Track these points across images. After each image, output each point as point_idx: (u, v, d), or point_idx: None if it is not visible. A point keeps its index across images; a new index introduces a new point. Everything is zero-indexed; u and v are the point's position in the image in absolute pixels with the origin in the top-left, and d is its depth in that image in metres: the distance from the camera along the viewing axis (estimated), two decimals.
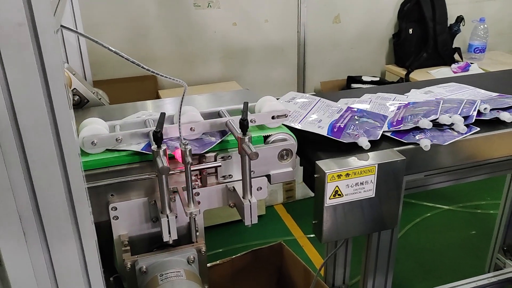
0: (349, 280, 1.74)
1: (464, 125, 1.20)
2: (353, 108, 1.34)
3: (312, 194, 2.60)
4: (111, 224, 1.00)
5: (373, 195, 1.12)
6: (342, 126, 1.21)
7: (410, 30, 3.00)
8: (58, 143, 0.60)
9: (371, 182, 1.10)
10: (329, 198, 1.08)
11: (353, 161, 1.10)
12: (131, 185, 1.00)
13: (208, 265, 1.59)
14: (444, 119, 1.20)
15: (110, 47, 0.80)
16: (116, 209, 0.99)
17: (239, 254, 1.66)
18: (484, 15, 3.11)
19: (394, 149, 1.16)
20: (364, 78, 2.86)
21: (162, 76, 0.89)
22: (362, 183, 1.09)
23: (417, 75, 2.90)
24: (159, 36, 2.54)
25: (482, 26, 3.09)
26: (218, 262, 1.64)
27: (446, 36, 3.06)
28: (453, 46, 3.10)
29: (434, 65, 3.00)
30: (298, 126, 1.20)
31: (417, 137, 1.18)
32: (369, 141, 1.15)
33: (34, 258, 0.64)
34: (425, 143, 1.14)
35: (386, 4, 2.99)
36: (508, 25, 3.41)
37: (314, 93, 2.68)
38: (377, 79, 2.91)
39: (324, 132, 1.19)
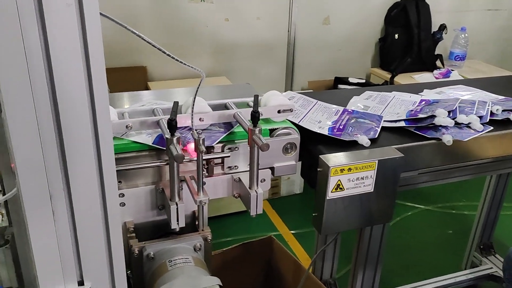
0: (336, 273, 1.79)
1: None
2: (348, 109, 1.38)
3: (297, 191, 2.67)
4: None
5: (372, 190, 1.16)
6: (341, 128, 1.25)
7: (396, 35, 3.08)
8: (93, 122, 0.61)
9: (370, 177, 1.14)
10: (331, 192, 1.11)
11: (355, 156, 1.14)
12: (139, 173, 1.01)
13: None
14: (462, 118, 1.30)
15: (152, 42, 0.80)
16: (123, 195, 1.00)
17: (229, 247, 1.68)
18: (466, 25, 3.22)
19: (392, 146, 1.20)
20: (351, 80, 2.92)
21: (184, 64, 0.90)
22: (362, 178, 1.13)
23: (401, 79, 2.98)
24: (150, 27, 2.53)
25: (463, 35, 3.19)
26: None
27: (430, 42, 3.15)
28: (436, 53, 3.20)
29: (417, 70, 3.09)
30: (300, 123, 1.24)
31: (439, 133, 1.26)
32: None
33: (60, 236, 0.65)
34: (447, 138, 1.23)
35: (374, 9, 3.06)
36: (487, 35, 3.53)
37: (304, 90, 2.72)
38: (363, 81, 2.97)
39: (324, 131, 1.22)
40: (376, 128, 1.27)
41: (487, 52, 3.60)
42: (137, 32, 0.74)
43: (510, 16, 3.55)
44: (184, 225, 0.98)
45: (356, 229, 1.40)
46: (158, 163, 0.99)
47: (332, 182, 1.10)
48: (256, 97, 1.04)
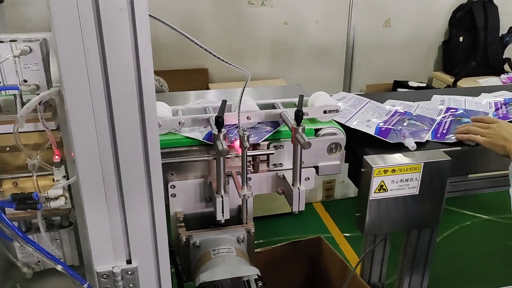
0: (386, 279, 1.77)
1: None
2: (401, 111, 1.38)
3: (352, 195, 2.67)
4: (169, 201, 1.08)
5: (417, 193, 1.15)
6: (390, 127, 1.25)
7: (461, 38, 2.98)
8: (142, 118, 0.68)
9: (415, 180, 1.14)
10: (374, 192, 1.12)
11: (400, 158, 1.14)
12: (189, 166, 1.07)
13: None
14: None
15: (200, 44, 0.87)
16: (174, 187, 1.07)
17: (278, 244, 1.72)
18: None
19: (441, 149, 1.19)
20: (411, 84, 2.86)
21: (228, 63, 0.95)
22: (407, 180, 1.13)
23: (465, 83, 2.88)
24: (211, 30, 2.64)
25: None
26: (258, 250, 1.71)
27: (497, 46, 3.01)
28: (504, 57, 3.05)
29: (482, 74, 2.97)
30: (347, 123, 1.25)
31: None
32: (415, 142, 1.19)
33: (111, 218, 0.73)
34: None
35: (438, 11, 2.98)
36: None
37: (363, 92, 2.70)
38: (424, 85, 2.90)
39: (371, 131, 1.23)
40: (427, 131, 1.26)
41: None
42: (184, 33, 0.80)
43: None
44: (229, 217, 1.03)
45: (404, 233, 1.40)
46: (206, 158, 1.05)
47: (375, 182, 1.11)
48: (301, 97, 1.08)
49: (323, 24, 2.78)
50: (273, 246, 1.71)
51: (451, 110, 1.40)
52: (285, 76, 2.80)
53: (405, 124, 1.29)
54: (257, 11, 2.65)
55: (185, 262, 1.06)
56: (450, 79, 2.94)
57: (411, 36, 2.98)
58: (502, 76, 2.93)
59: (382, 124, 1.27)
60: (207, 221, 1.12)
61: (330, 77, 2.90)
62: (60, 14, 0.60)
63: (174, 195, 1.08)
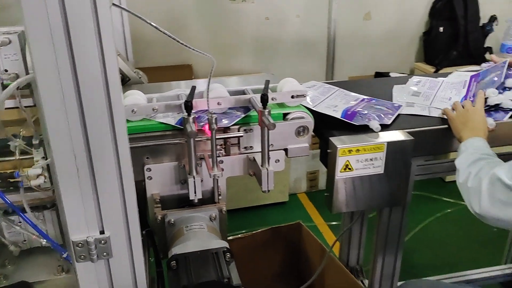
0: (364, 264, 1.83)
1: None
2: (367, 98, 1.44)
3: None
4: (145, 184, 1.14)
5: (382, 172, 1.22)
6: (355, 111, 1.31)
7: (441, 28, 3.04)
8: (109, 105, 0.75)
9: (380, 159, 1.20)
10: (340, 172, 1.19)
11: (364, 138, 1.20)
12: (164, 150, 1.13)
13: (230, 238, 1.73)
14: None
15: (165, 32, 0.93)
16: (150, 170, 1.13)
17: (259, 230, 1.78)
18: None
19: (405, 130, 1.25)
20: (392, 75, 2.92)
21: (194, 50, 1.01)
22: (371, 159, 1.20)
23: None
24: (195, 27, 2.70)
25: None
26: (239, 235, 1.77)
27: (478, 35, 3.07)
28: (485, 46, 3.12)
29: (463, 63, 3.02)
30: (315, 108, 1.32)
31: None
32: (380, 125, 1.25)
33: (84, 192, 0.79)
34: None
35: (418, 2, 3.04)
36: None
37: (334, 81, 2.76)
38: (405, 75, 2.96)
39: (338, 115, 1.29)
40: (391, 115, 1.32)
41: None
42: (162, 29, 0.86)
43: None
44: (201, 197, 1.09)
45: (377, 214, 1.46)
46: (178, 141, 1.11)
47: (340, 162, 1.18)
48: (267, 82, 1.14)
49: (304, 18, 2.84)
50: (254, 231, 1.77)
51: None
52: (269, 70, 2.86)
53: (370, 109, 1.35)
54: (239, 7, 2.71)
55: (161, 240, 1.12)
56: (431, 69, 3.00)
57: (392, 28, 3.04)
58: (483, 64, 2.98)
59: (348, 108, 1.33)
60: (182, 202, 1.18)
61: (313, 70, 2.96)
62: (29, 9, 0.66)
63: (150, 178, 1.14)
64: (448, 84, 1.53)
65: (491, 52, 3.12)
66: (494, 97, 1.39)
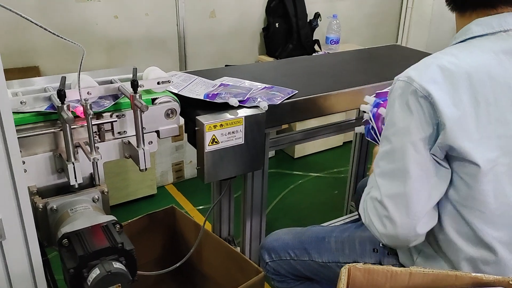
0: (235, 236, 2.01)
1: None
2: (225, 83, 1.62)
3: None
4: None
5: (243, 142, 1.41)
6: (216, 93, 1.49)
7: (277, 24, 3.41)
8: None
9: (240, 132, 1.39)
10: (208, 145, 1.34)
11: (225, 115, 1.38)
12: (36, 141, 1.16)
13: None
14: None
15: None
16: (24, 163, 1.14)
17: (134, 218, 1.85)
18: (337, 13, 3.64)
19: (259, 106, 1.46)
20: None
21: (64, 39, 1.06)
22: (233, 132, 1.38)
23: None
24: (41, 28, 2.59)
25: (335, 22, 3.61)
26: None
27: (307, 30, 3.53)
28: (314, 38, 3.58)
29: (299, 54, 3.44)
30: (179, 92, 1.45)
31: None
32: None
33: None
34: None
35: (255, 1, 3.36)
36: (357, 21, 4.01)
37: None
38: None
39: (200, 97, 1.45)
40: (245, 93, 1.52)
41: (361, 36, 4.08)
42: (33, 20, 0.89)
43: (375, 4, 4.06)
44: (81, 181, 1.15)
45: (242, 182, 1.66)
46: (53, 130, 1.15)
47: (207, 137, 1.33)
48: (134, 69, 1.24)
49: (153, 16, 2.94)
50: (130, 220, 1.83)
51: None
52: (123, 67, 2.89)
53: (227, 91, 1.53)
54: (85, 6, 2.68)
55: (44, 229, 1.14)
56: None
57: (236, 25, 3.31)
58: (314, 55, 3.45)
59: (209, 91, 1.50)
60: (61, 191, 1.21)
61: (167, 66, 3.07)
62: None
63: (25, 171, 1.15)
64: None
65: (319, 44, 3.60)
66: None
